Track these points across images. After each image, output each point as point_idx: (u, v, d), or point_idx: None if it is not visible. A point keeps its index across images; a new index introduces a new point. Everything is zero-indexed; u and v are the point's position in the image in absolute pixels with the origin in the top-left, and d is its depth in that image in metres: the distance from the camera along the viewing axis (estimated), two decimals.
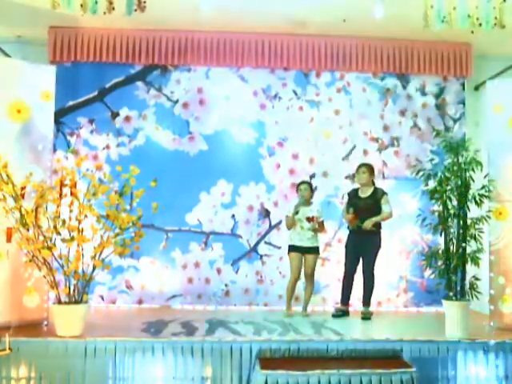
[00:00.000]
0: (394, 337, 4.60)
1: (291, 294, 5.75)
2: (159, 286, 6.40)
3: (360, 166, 5.78)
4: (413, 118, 6.75)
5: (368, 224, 5.53)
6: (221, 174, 6.51)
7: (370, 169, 5.75)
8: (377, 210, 5.61)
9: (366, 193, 5.72)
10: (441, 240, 4.98)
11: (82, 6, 4.52)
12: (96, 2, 4.50)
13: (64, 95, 6.20)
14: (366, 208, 5.59)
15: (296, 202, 5.77)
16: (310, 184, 5.90)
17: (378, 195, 5.67)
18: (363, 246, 5.63)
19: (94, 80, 6.50)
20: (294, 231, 5.71)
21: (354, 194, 5.80)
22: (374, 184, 5.80)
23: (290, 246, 5.74)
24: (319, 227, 5.72)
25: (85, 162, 5.04)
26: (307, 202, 5.75)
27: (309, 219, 5.65)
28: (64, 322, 4.47)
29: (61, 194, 4.57)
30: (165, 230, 6.44)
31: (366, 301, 5.69)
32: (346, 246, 5.83)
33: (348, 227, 5.82)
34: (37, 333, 4.55)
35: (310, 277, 5.74)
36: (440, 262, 4.85)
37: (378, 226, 5.64)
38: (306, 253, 5.68)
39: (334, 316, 5.70)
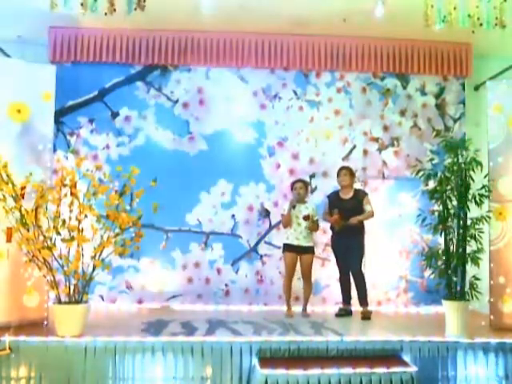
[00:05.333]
0: (394, 337, 4.59)
1: (289, 294, 5.74)
2: (159, 285, 6.40)
3: (341, 169, 5.86)
4: (413, 118, 6.76)
5: (354, 220, 5.61)
6: (221, 173, 6.51)
7: (350, 172, 5.86)
8: (360, 210, 5.70)
9: (348, 194, 5.81)
10: (441, 240, 4.98)
11: (82, 4, 4.52)
12: (95, 1, 4.49)
13: (64, 95, 6.19)
14: (350, 208, 5.68)
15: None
16: (305, 182, 5.91)
17: (360, 196, 5.78)
18: (348, 247, 5.68)
19: (94, 80, 6.50)
20: (290, 229, 5.71)
21: (335, 196, 5.87)
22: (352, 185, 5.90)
23: (285, 245, 5.75)
24: (314, 225, 5.73)
25: (85, 162, 5.03)
26: (302, 199, 5.77)
27: (305, 217, 5.66)
28: (64, 321, 4.47)
29: (60, 194, 4.58)
30: (165, 229, 6.44)
31: (363, 301, 5.69)
32: (332, 248, 5.91)
33: (331, 228, 5.85)
34: (37, 333, 4.52)
35: (308, 277, 5.74)
36: (440, 262, 4.86)
37: (361, 225, 5.73)
38: (301, 253, 5.68)
39: (337, 315, 5.73)
